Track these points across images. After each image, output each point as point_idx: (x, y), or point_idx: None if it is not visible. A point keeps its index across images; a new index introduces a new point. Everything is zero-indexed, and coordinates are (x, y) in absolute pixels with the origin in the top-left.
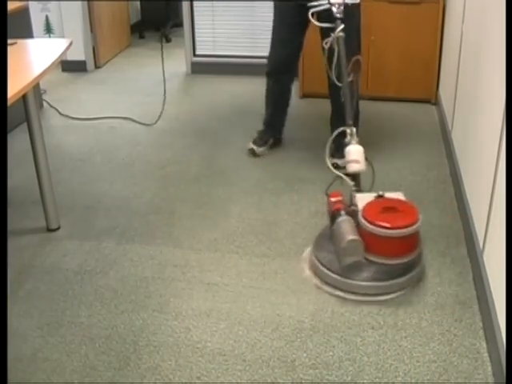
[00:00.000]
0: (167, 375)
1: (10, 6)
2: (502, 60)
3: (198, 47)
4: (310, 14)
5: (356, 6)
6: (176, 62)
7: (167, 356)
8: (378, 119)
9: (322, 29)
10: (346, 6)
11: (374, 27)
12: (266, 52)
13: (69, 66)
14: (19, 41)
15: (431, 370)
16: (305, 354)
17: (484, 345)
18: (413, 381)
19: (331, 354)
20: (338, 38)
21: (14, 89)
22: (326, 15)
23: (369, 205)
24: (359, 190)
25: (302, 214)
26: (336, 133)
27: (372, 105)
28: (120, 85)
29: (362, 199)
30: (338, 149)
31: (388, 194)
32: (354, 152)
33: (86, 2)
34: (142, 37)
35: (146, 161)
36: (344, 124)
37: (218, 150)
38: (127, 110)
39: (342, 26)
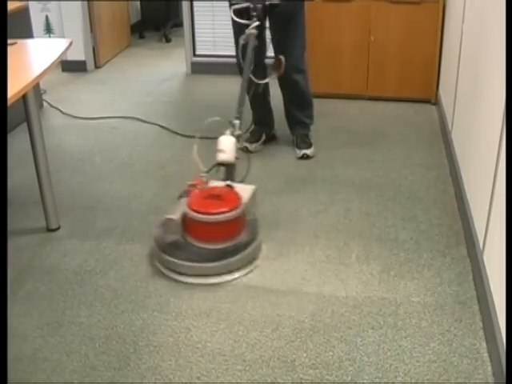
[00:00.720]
0: (167, 375)
1: (10, 6)
2: (501, 60)
3: (197, 47)
4: (231, 11)
5: (288, 4)
6: (176, 61)
7: (167, 356)
8: (378, 119)
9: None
10: (266, 5)
11: (374, 27)
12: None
13: (69, 66)
14: (19, 41)
15: (431, 369)
16: (305, 354)
17: (484, 345)
18: (413, 381)
19: (331, 354)
20: (249, 35)
21: (14, 89)
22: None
23: (198, 191)
24: (229, 180)
25: (302, 214)
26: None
27: (372, 105)
28: (120, 85)
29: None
30: (301, 140)
31: (239, 185)
32: (223, 142)
33: (85, 2)
34: (142, 37)
35: (146, 161)
36: (298, 113)
37: None
38: (127, 110)
39: (256, 24)
